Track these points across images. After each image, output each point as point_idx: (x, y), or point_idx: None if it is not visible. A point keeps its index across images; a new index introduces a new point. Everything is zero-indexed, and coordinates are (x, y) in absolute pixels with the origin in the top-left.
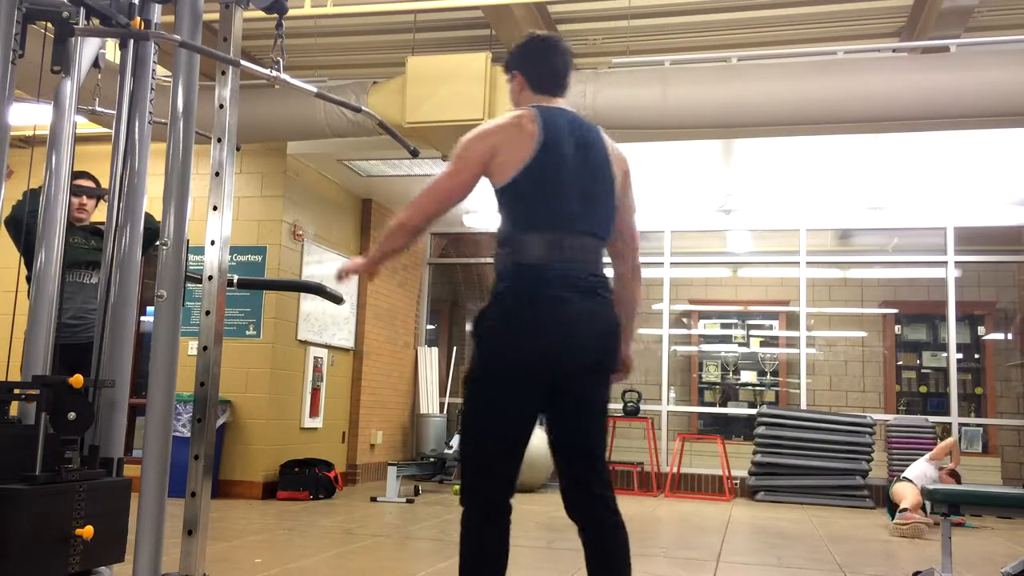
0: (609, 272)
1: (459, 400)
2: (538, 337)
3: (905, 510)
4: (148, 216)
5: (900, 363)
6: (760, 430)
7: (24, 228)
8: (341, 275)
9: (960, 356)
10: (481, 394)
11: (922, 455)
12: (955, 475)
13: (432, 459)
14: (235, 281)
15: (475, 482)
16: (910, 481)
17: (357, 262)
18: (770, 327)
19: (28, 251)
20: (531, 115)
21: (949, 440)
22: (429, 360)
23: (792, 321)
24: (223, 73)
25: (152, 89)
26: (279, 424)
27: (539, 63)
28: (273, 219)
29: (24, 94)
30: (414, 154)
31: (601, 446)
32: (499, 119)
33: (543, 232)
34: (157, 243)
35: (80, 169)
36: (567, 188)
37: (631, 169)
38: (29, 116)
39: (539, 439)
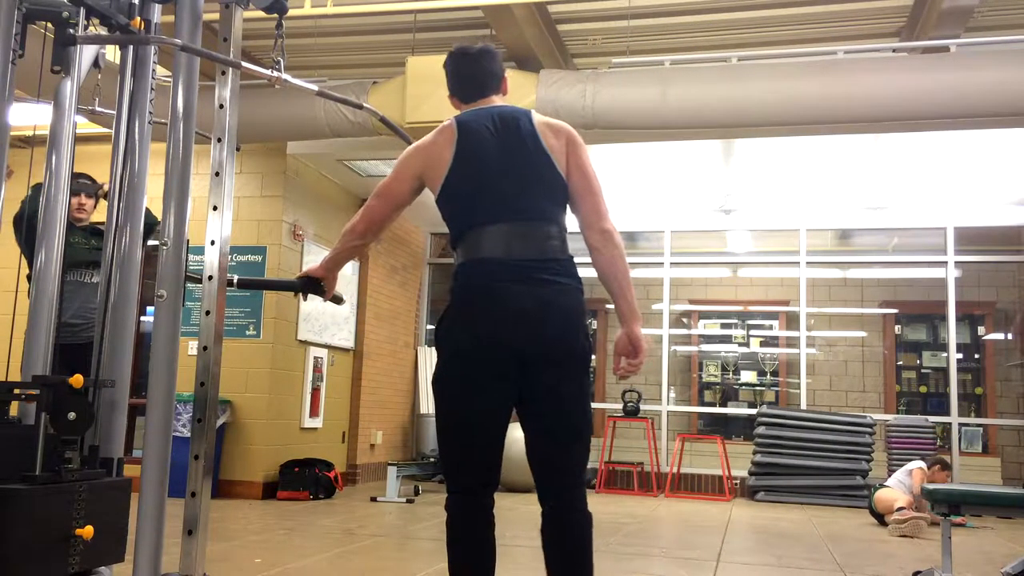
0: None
1: None
2: (484, 329)
3: (902, 508)
4: (146, 211)
5: (900, 363)
6: (760, 430)
7: (26, 225)
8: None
9: (960, 356)
10: (446, 393)
11: (921, 456)
12: (947, 467)
13: (432, 459)
14: (235, 281)
15: (452, 481)
16: (891, 488)
17: (314, 267)
18: (770, 327)
19: (30, 248)
20: (448, 124)
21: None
22: (429, 360)
23: (792, 321)
24: (223, 73)
25: (152, 89)
26: (279, 424)
27: (452, 79)
28: (273, 219)
29: (24, 94)
30: None
31: (565, 443)
32: (428, 135)
33: (478, 228)
34: (156, 242)
35: (80, 171)
36: (494, 180)
37: (577, 137)
38: (29, 116)
39: None
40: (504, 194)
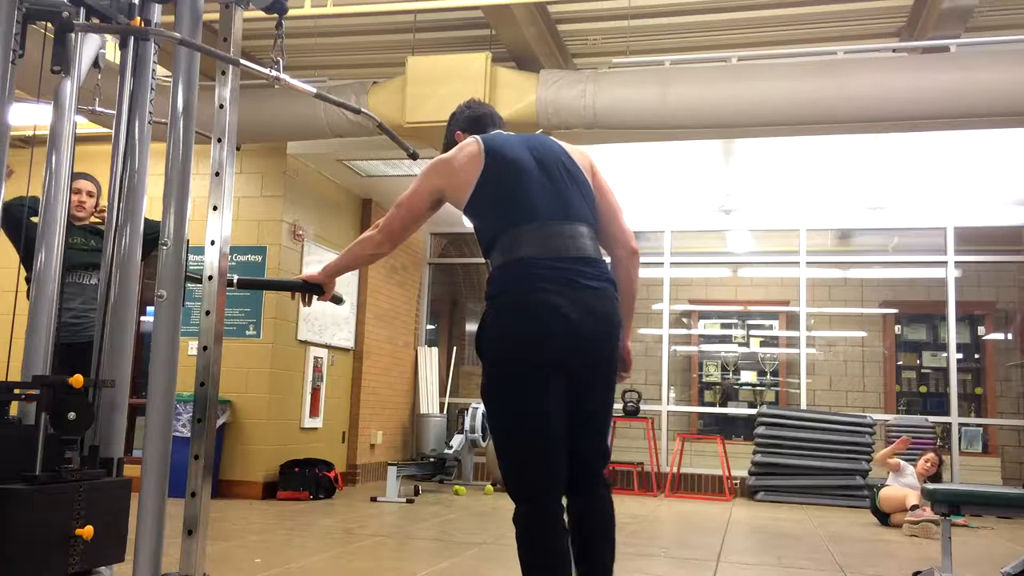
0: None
1: (459, 400)
2: (533, 333)
3: (916, 507)
4: (149, 222)
5: (900, 363)
6: (760, 430)
7: (17, 224)
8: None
9: (960, 356)
10: (498, 403)
11: (920, 455)
12: (936, 475)
13: (432, 459)
14: (235, 281)
15: (521, 490)
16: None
17: (314, 274)
18: (770, 327)
19: (28, 254)
20: (470, 140)
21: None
22: (429, 360)
23: (792, 321)
24: (223, 73)
25: (152, 89)
26: (279, 424)
27: (467, 119)
28: (273, 219)
29: (24, 94)
30: (413, 157)
31: (596, 445)
32: (450, 151)
33: (513, 228)
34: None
35: (80, 170)
36: (528, 183)
37: (595, 162)
38: (29, 116)
39: None
40: (538, 195)
